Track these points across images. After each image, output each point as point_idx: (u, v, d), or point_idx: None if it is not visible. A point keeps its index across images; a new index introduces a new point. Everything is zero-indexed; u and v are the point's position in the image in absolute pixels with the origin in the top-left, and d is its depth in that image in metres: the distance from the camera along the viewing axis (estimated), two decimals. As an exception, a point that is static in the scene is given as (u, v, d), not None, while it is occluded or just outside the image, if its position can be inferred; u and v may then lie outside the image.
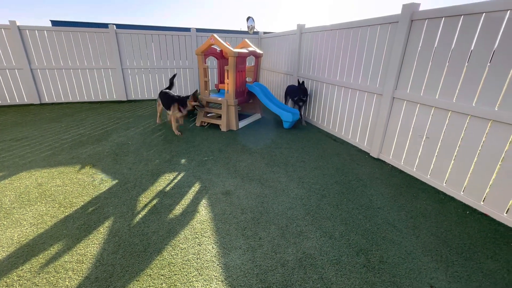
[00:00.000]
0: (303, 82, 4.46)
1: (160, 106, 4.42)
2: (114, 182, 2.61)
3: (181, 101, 3.93)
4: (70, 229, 1.94)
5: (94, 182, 2.60)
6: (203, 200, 2.34)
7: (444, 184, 2.54)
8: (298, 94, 4.47)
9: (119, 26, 6.85)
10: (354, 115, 3.71)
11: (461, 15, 2.26)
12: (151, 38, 6.35)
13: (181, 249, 1.78)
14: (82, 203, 2.26)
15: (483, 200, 2.24)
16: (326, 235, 1.93)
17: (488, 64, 2.12)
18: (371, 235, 1.95)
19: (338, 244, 1.85)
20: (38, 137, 3.83)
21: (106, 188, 2.51)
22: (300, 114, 4.63)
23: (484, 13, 2.11)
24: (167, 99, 4.05)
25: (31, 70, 5.66)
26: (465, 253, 1.78)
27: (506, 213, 2.09)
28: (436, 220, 2.13)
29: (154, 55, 6.49)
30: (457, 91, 2.36)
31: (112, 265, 1.64)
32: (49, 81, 5.89)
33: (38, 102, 5.93)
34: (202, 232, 1.95)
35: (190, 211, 2.18)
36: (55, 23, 24.02)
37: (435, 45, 2.51)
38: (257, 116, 5.14)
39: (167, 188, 2.52)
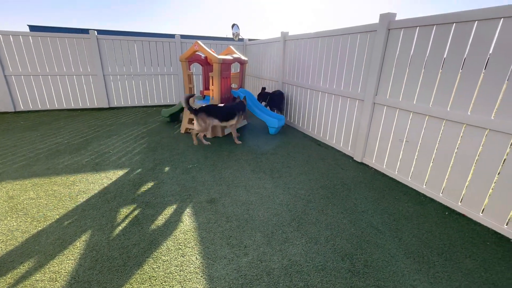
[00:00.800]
0: (263, 88, 4.92)
1: (207, 122, 3.70)
2: (92, 193, 2.50)
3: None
4: (43, 245, 1.83)
5: (71, 194, 2.48)
6: (187, 209, 2.28)
7: (424, 186, 2.62)
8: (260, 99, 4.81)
9: (100, 31, 6.68)
10: (337, 120, 3.78)
11: (434, 24, 2.38)
12: (134, 44, 6.24)
13: (163, 262, 1.71)
14: (58, 216, 2.14)
15: (461, 201, 2.32)
16: (312, 241, 1.93)
17: (460, 70, 2.23)
18: (355, 239, 1.96)
19: (324, 249, 1.85)
20: (11, 147, 3.62)
21: (84, 199, 2.39)
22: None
23: (454, 23, 2.23)
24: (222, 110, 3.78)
25: (5, 76, 5.40)
26: (445, 254, 1.83)
27: (482, 213, 2.18)
28: (417, 221, 2.18)
29: (137, 62, 6.38)
30: (432, 96, 2.46)
31: (88, 282, 1.55)
32: (24, 88, 5.63)
33: (13, 110, 5.64)
34: (186, 242, 1.89)
35: (174, 221, 2.11)
36: (33, 28, 23.17)
37: (411, 53, 2.62)
38: (243, 122, 5.13)
39: (150, 198, 2.44)
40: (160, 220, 2.13)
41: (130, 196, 2.46)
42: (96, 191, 2.53)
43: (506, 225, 2.03)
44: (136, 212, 2.22)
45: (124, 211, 2.24)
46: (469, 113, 2.19)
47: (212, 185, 2.71)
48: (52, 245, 1.83)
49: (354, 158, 3.47)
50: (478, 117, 2.11)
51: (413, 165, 2.72)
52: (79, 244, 1.84)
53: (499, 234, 2.05)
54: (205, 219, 2.16)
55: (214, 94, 4.13)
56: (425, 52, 2.48)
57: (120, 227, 2.03)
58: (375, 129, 3.15)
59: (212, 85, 4.09)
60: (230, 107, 3.88)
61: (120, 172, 2.94)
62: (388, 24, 2.78)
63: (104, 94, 6.22)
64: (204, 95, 4.80)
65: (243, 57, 4.74)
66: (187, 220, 2.13)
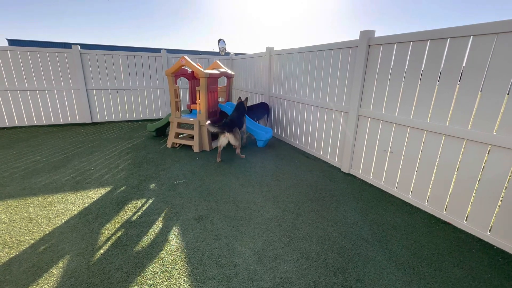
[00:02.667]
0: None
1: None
2: (72, 214, 2.36)
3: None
4: (15, 274, 1.68)
5: (48, 216, 2.33)
6: (174, 228, 2.19)
7: (410, 196, 2.68)
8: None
9: (84, 46, 6.59)
10: (324, 132, 3.85)
11: (411, 41, 2.52)
12: (119, 58, 6.18)
13: (149, 286, 1.61)
14: (32, 241, 1.99)
15: (445, 209, 2.38)
16: (303, 256, 1.89)
17: (437, 83, 2.35)
18: (347, 252, 1.95)
19: (315, 264, 1.82)
20: (-17, 166, 3.40)
21: (63, 221, 2.25)
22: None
23: (429, 40, 2.36)
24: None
25: (-21, 92, 5.14)
26: (434, 264, 1.84)
27: (466, 220, 2.24)
28: (405, 231, 2.20)
29: (122, 76, 6.29)
30: (413, 108, 2.56)
31: (65, 314, 1.43)
32: (0, 104, 5.37)
33: (-14, 127, 5.34)
34: (173, 264, 1.80)
35: (159, 241, 2.02)
36: (13, 42, 22.53)
37: (391, 67, 2.74)
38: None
39: (134, 217, 2.33)
40: (145, 240, 2.03)
41: (113, 216, 2.34)
42: (76, 212, 2.39)
43: (489, 231, 2.09)
44: (119, 233, 2.11)
45: (107, 232, 2.12)
46: (447, 124, 2.29)
47: (200, 201, 2.64)
48: (25, 273, 1.69)
49: (342, 170, 3.51)
50: (456, 128, 2.21)
51: (398, 175, 2.78)
52: (56, 271, 1.71)
53: (483, 241, 2.10)
54: (193, 237, 2.08)
55: (201, 108, 4.11)
56: (404, 66, 2.61)
57: (101, 250, 1.91)
58: (360, 140, 3.22)
59: (199, 99, 4.08)
60: (240, 114, 4.04)
61: (103, 191, 2.81)
62: (368, 40, 2.91)
63: (87, 109, 6.05)
64: (191, 109, 4.78)
65: (229, 71, 4.80)
66: (174, 240, 2.04)
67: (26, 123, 5.65)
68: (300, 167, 3.61)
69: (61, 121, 5.94)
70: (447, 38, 2.22)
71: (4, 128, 5.44)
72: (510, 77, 1.89)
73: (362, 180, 3.22)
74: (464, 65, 2.14)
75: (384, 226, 2.28)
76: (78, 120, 6.07)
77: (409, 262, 1.85)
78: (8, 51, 5.26)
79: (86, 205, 2.52)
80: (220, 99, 5.07)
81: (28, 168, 3.37)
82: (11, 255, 1.84)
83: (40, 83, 5.58)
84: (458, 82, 2.20)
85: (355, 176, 3.33)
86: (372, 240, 2.08)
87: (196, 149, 4.15)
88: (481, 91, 2.07)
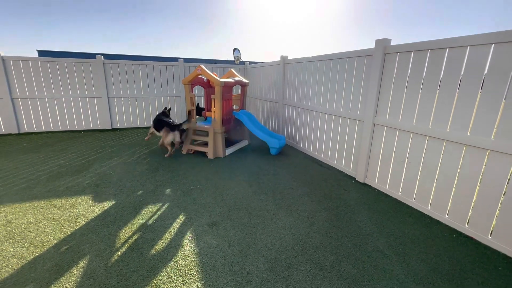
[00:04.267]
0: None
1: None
2: (92, 216, 2.46)
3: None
4: (39, 272, 1.77)
5: (70, 217, 2.44)
6: (188, 233, 2.23)
7: (429, 208, 2.58)
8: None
9: (107, 56, 6.96)
10: (338, 141, 3.81)
11: (428, 49, 2.48)
12: (139, 67, 6.46)
13: (163, 290, 1.64)
14: (55, 241, 2.09)
15: (467, 223, 2.27)
16: (317, 267, 1.86)
17: (457, 90, 2.29)
18: (362, 264, 1.90)
19: (329, 275, 1.78)
20: (13, 169, 3.63)
21: (84, 223, 2.35)
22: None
23: (447, 48, 2.32)
24: None
25: (12, 99, 5.53)
26: (456, 280, 1.76)
27: (490, 235, 2.12)
28: (424, 245, 2.12)
29: (141, 84, 6.56)
30: (431, 117, 2.50)
31: (84, 313, 1.48)
32: (30, 111, 5.75)
33: (17, 132, 5.71)
34: (186, 269, 1.83)
35: (174, 246, 2.06)
36: (42, 53, 24.13)
37: (408, 75, 2.70)
38: (244, 142, 5.17)
39: (150, 221, 2.40)
40: (160, 244, 2.07)
41: (130, 219, 2.42)
42: (96, 214, 2.50)
43: (490, 236, 1.97)
44: (136, 236, 2.17)
45: (124, 235, 2.19)
46: (468, 134, 2.21)
47: (213, 207, 2.67)
48: (48, 272, 1.77)
49: (356, 179, 3.45)
50: (478, 138, 2.13)
51: (416, 186, 2.69)
52: (76, 271, 1.78)
53: (510, 258, 1.98)
54: (206, 243, 2.10)
55: (216, 116, 4.20)
56: (422, 74, 2.56)
57: (119, 253, 1.97)
58: (376, 149, 3.16)
59: (214, 106, 4.17)
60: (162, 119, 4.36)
61: (121, 195, 2.91)
62: (384, 49, 2.89)
63: (108, 116, 6.33)
64: (206, 117, 4.88)
65: (244, 80, 4.89)
66: (188, 245, 2.07)
67: (52, 128, 5.99)
68: (314, 176, 3.57)
69: (84, 127, 6.24)
70: (467, 46, 2.17)
71: (32, 133, 5.79)
72: (536, 85, 1.81)
73: (378, 190, 3.14)
74: (486, 72, 2.08)
75: (401, 238, 2.20)
76: (99, 126, 6.36)
77: (429, 277, 1.77)
78: (39, 62, 5.64)
79: (105, 208, 2.62)
80: (234, 107, 5.16)
81: (52, 172, 3.56)
82: (36, 254, 1.94)
83: (66, 91, 5.93)
84: (480, 90, 2.13)
85: (370, 186, 3.26)
86: (388, 253, 2.02)
87: (210, 155, 4.22)
88: (505, 99, 2.00)
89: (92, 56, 6.26)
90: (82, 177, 3.38)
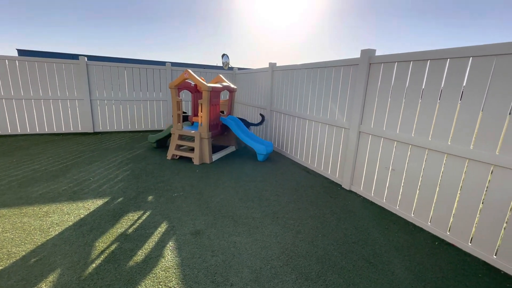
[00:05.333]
0: None
1: None
2: (67, 225, 2.31)
3: None
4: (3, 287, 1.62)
5: (42, 227, 2.28)
6: (170, 243, 2.13)
7: (412, 215, 2.62)
8: None
9: (91, 57, 6.75)
10: (325, 148, 3.84)
11: (411, 60, 2.56)
12: (125, 70, 6.30)
13: (140, 305, 1.54)
14: (24, 253, 1.93)
15: (449, 230, 2.32)
16: (302, 277, 1.82)
17: (438, 101, 2.36)
18: (347, 273, 1.88)
19: (315, 286, 1.75)
20: (-19, 174, 3.38)
21: (57, 233, 2.20)
22: None
23: (429, 60, 2.40)
24: None
25: (-15, 99, 5.21)
26: (439, 288, 1.77)
27: (470, 242, 2.17)
28: (408, 253, 2.13)
29: (126, 87, 6.39)
30: (414, 126, 2.56)
31: (51, 333, 1.36)
32: (5, 112, 5.43)
33: (-11, 134, 5.37)
34: (166, 281, 1.73)
35: (154, 256, 1.96)
36: (22, 52, 23.16)
37: (392, 85, 2.77)
38: (231, 148, 5.11)
39: (130, 230, 2.28)
40: (140, 255, 1.96)
41: (109, 229, 2.29)
42: (70, 223, 2.35)
43: (495, 255, 2.02)
44: (113, 247, 2.05)
45: (101, 245, 2.06)
46: (449, 143, 2.27)
47: (197, 215, 2.59)
48: (13, 287, 1.62)
49: (343, 186, 3.47)
50: (458, 147, 2.19)
51: (400, 194, 2.73)
52: (45, 286, 1.64)
53: (489, 265, 2.02)
54: (189, 253, 2.02)
55: (203, 121, 4.13)
56: (405, 84, 2.63)
57: (94, 265, 1.85)
58: (361, 157, 3.20)
59: (201, 111, 4.11)
60: None
61: (100, 202, 2.77)
62: (369, 59, 2.96)
63: (90, 119, 6.09)
64: (193, 122, 4.80)
65: (232, 85, 4.87)
66: (169, 255, 1.98)
67: (28, 131, 5.68)
68: (300, 183, 3.56)
69: (63, 130, 5.97)
70: (447, 58, 2.25)
71: (5, 135, 5.47)
72: (511, 97, 1.89)
73: (363, 197, 3.17)
74: (464, 84, 2.16)
75: (386, 246, 2.21)
76: (80, 129, 6.10)
77: (413, 286, 1.77)
78: (17, 61, 5.38)
79: (82, 216, 2.48)
80: (222, 113, 5.11)
81: (26, 177, 3.34)
82: (1, 267, 1.78)
83: (45, 92, 5.67)
84: (459, 101, 2.21)
85: (356, 193, 3.28)
86: (374, 261, 2.01)
87: (196, 161, 4.13)
88: (482, 111, 2.08)
89: (75, 57, 6.05)
90: (58, 183, 3.20)
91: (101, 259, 1.91)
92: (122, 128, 6.54)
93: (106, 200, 2.82)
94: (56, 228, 2.26)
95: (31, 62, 5.49)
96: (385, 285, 1.78)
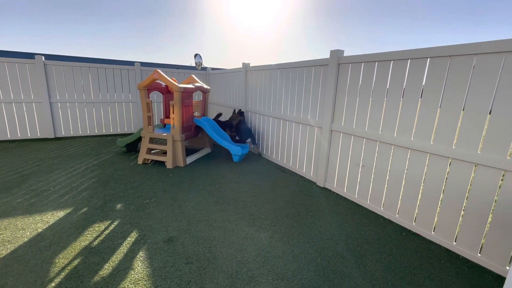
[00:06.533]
0: None
1: None
2: (21, 242, 2.09)
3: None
4: None
5: (-9, 245, 2.03)
6: (141, 252, 2.02)
7: (382, 209, 2.74)
8: None
9: (49, 56, 6.22)
10: (299, 147, 3.89)
11: (376, 61, 2.68)
12: (89, 70, 5.89)
13: (106, 323, 1.43)
14: (-33, 278, 1.71)
15: (414, 221, 2.46)
16: (279, 277, 1.82)
17: (401, 99, 2.50)
18: (322, 270, 1.91)
19: (291, 285, 1.75)
20: None
21: (9, 251, 1.98)
22: None
23: (392, 61, 2.53)
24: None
25: None
26: (407, 277, 1.86)
27: (434, 231, 2.32)
28: (379, 245, 2.23)
29: (91, 89, 5.98)
30: (381, 123, 2.68)
31: None
32: None
33: None
34: (136, 294, 1.63)
35: (122, 269, 1.83)
36: (-33, 50, 20.78)
37: (360, 84, 2.88)
38: (206, 150, 5.00)
39: (95, 243, 2.12)
40: (106, 269, 1.83)
41: (71, 242, 2.10)
42: (26, 240, 2.12)
43: (455, 241, 2.17)
44: (76, 262, 1.88)
45: (61, 261, 1.89)
46: (412, 139, 2.41)
47: (170, 221, 2.48)
48: (-48, 318, 1.42)
49: (317, 184, 3.54)
50: (420, 142, 2.33)
51: (370, 188, 2.85)
52: (-7, 313, 1.46)
53: (450, 251, 2.18)
54: (161, 262, 1.92)
55: (175, 123, 3.99)
56: (371, 84, 2.75)
57: (53, 284, 1.68)
58: (334, 155, 3.29)
59: (173, 113, 3.97)
60: None
61: (61, 213, 2.54)
62: (338, 59, 3.06)
63: (50, 123, 5.61)
64: (165, 124, 4.63)
65: (205, 86, 4.76)
66: (140, 266, 1.87)
67: (-24, 138, 5.09)
68: (276, 182, 3.58)
69: (19, 136, 5.43)
70: (408, 59, 2.39)
71: None
72: (464, 94, 2.05)
73: (337, 194, 3.26)
74: (424, 83, 2.31)
75: (358, 240, 2.29)
76: (39, 135, 5.60)
77: (383, 277, 1.85)
78: (-41, 60, 4.79)
79: (39, 230, 2.25)
80: (196, 114, 4.98)
81: (-28, 190, 2.98)
82: None
83: (-4, 95, 5.12)
84: (420, 99, 2.35)
85: (330, 190, 3.37)
86: (347, 256, 2.07)
87: (169, 165, 3.98)
88: (440, 108, 2.23)
89: (30, 56, 5.54)
90: (11, 195, 2.89)
91: (61, 276, 1.74)
92: (88, 133, 6.11)
93: (68, 211, 2.59)
94: (8, 246, 2.03)
95: (-23, 62, 4.92)
96: (358, 278, 1.83)
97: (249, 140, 4.82)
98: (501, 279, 1.86)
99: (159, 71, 3.93)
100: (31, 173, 3.56)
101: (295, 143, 3.98)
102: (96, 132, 6.20)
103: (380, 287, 1.76)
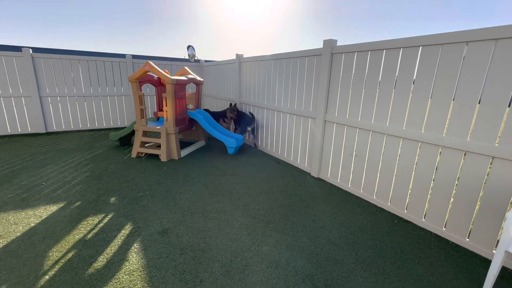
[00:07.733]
0: None
1: None
2: (13, 237, 2.07)
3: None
4: None
5: (-18, 240, 2.02)
6: (135, 244, 2.02)
7: (375, 197, 2.78)
8: None
9: (37, 49, 6.05)
10: (294, 138, 3.90)
11: (369, 50, 2.66)
12: (79, 64, 5.76)
13: (101, 313, 1.44)
14: (-41, 272, 1.70)
15: (406, 209, 2.51)
16: (272, 265, 1.85)
17: (393, 90, 2.50)
18: (315, 257, 1.94)
19: (285, 273, 1.78)
20: None
21: (1, 246, 1.96)
22: None
23: (385, 50, 2.52)
24: None
25: None
26: (397, 262, 1.91)
27: (424, 218, 2.37)
28: (371, 232, 2.27)
29: (82, 82, 5.86)
30: (373, 113, 2.69)
31: None
32: None
33: None
34: (131, 285, 1.64)
35: (117, 261, 1.84)
36: (-48, 44, 20.10)
37: (353, 74, 2.87)
38: (201, 143, 4.98)
39: (89, 236, 2.11)
40: (100, 261, 1.83)
41: (64, 236, 2.10)
42: (18, 234, 2.11)
43: (445, 227, 2.23)
44: (70, 255, 1.88)
45: (55, 255, 1.88)
46: (404, 128, 2.43)
47: (165, 213, 2.48)
48: None
49: (312, 174, 3.57)
50: (411, 131, 2.35)
51: (363, 178, 2.89)
52: (-13, 306, 1.46)
53: (440, 237, 2.23)
54: (156, 253, 1.93)
55: (168, 115, 3.95)
56: (364, 73, 2.75)
57: (47, 276, 1.68)
58: (327, 145, 3.31)
59: (166, 106, 3.92)
60: None
61: (54, 208, 2.53)
62: (331, 49, 3.04)
63: (41, 118, 5.51)
64: (158, 117, 4.58)
65: (198, 78, 4.70)
66: (134, 258, 1.88)
67: (-36, 134, 4.98)
68: (271, 173, 3.60)
69: (9, 131, 5.33)
70: (400, 48, 2.38)
71: None
72: (455, 83, 2.06)
73: (331, 184, 3.29)
74: (415, 72, 2.31)
75: (351, 228, 2.33)
76: (29, 130, 5.50)
77: (375, 263, 1.89)
78: None
79: (32, 225, 2.24)
80: (189, 106, 4.94)
81: (-38, 186, 2.93)
82: None
83: (-17, 89, 4.98)
84: (411, 89, 2.36)
85: (324, 180, 3.40)
86: (340, 243, 2.11)
87: (163, 158, 3.96)
88: (430, 98, 2.24)
89: (18, 49, 5.38)
90: (2, 191, 2.85)
91: (55, 269, 1.75)
92: (80, 127, 6.03)
93: (61, 205, 2.58)
94: (0, 241, 2.02)
95: (-39, 55, 4.76)
96: (350, 264, 1.87)
97: (249, 128, 4.79)
98: (488, 262, 1.92)
99: (151, 63, 3.86)
100: (22, 168, 3.51)
101: (289, 135, 3.98)
102: (89, 126, 6.11)
103: (371, 272, 1.80)
